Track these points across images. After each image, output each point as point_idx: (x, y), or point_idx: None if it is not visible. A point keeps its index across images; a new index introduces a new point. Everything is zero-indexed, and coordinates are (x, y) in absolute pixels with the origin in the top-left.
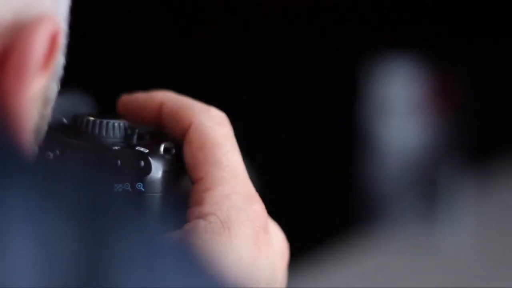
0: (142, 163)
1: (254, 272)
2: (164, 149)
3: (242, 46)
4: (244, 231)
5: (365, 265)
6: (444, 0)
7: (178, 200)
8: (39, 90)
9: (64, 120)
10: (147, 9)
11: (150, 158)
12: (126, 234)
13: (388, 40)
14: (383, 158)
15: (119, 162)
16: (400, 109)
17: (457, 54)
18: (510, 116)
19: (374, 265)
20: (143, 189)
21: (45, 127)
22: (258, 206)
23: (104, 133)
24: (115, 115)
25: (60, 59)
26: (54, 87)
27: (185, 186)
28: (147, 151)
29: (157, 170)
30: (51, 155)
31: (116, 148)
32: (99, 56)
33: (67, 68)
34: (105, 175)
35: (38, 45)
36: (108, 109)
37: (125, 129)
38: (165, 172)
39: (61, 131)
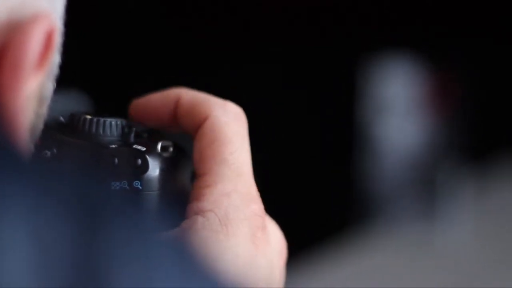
0: (139, 161)
1: (251, 271)
2: (162, 147)
3: (242, 46)
4: (242, 230)
5: (364, 264)
6: (444, 0)
7: (175, 198)
8: (34, 89)
9: (61, 119)
10: (145, 7)
11: (147, 156)
12: (124, 232)
13: (388, 40)
14: (382, 158)
15: (116, 160)
16: (399, 108)
17: (457, 54)
18: (509, 116)
19: (373, 264)
20: (140, 187)
21: (41, 126)
22: (256, 206)
23: (101, 131)
24: (112, 113)
25: (55, 58)
26: (50, 86)
27: (182, 184)
28: (144, 149)
29: (154, 168)
30: (48, 153)
31: (113, 146)
32: (95, 55)
33: (63, 66)
34: (102, 173)
35: (34, 43)
36: (104, 107)
37: (122, 127)
38: (162, 170)
39: (58, 130)
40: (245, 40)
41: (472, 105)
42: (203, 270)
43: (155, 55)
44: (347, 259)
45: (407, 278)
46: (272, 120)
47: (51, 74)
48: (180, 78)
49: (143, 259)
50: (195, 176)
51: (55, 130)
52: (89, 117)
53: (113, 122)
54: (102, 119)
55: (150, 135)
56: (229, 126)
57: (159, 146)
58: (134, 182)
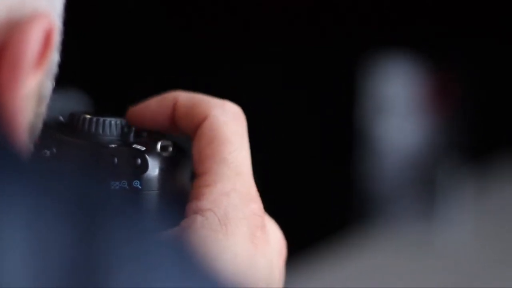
0: (139, 161)
1: (251, 270)
2: (161, 147)
3: (242, 46)
4: (241, 229)
5: (364, 264)
6: (444, 0)
7: (175, 198)
8: (33, 88)
9: (61, 118)
10: (145, 7)
11: (147, 156)
12: (123, 232)
13: (388, 40)
14: (382, 157)
15: (115, 160)
16: (399, 108)
17: (457, 54)
18: (509, 116)
19: (372, 264)
20: (140, 187)
21: (40, 125)
22: (255, 206)
23: (100, 131)
24: (111, 112)
25: (54, 57)
26: (49, 85)
27: (182, 184)
28: (144, 149)
29: (154, 168)
30: (48, 153)
31: (113, 146)
32: (94, 54)
33: (62, 65)
34: (102, 173)
35: (32, 42)
36: (103, 106)
37: (122, 127)
38: (162, 170)
39: (58, 129)
40: (245, 40)
41: (472, 105)
42: (202, 269)
43: (155, 55)
44: (347, 259)
45: (407, 278)
46: (272, 120)
47: (50, 73)
48: (180, 78)
49: (143, 258)
50: (194, 175)
51: (55, 129)
52: (88, 116)
53: (112, 122)
54: (101, 119)
55: (149, 135)
56: (228, 125)
57: (158, 146)
58: (134, 182)
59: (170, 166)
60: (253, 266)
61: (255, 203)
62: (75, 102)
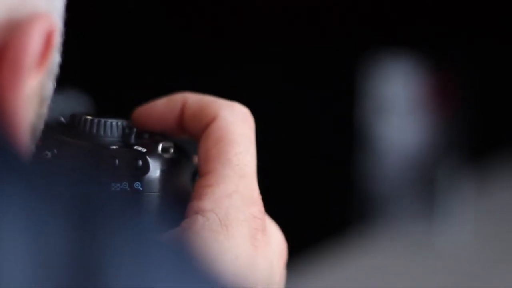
0: (140, 162)
1: (251, 272)
2: (162, 148)
3: (242, 46)
4: (242, 231)
5: (364, 264)
6: (444, 0)
7: (176, 200)
8: (34, 89)
9: (62, 119)
10: (146, 7)
11: (148, 158)
12: (124, 233)
13: (388, 40)
14: (382, 157)
15: (117, 161)
16: (400, 108)
17: (457, 54)
18: (509, 116)
19: (372, 264)
20: (141, 189)
21: (41, 126)
22: (256, 209)
23: (102, 132)
24: (112, 114)
25: (55, 57)
26: (50, 86)
27: (183, 185)
28: (145, 150)
29: (155, 170)
30: (49, 154)
31: (114, 147)
32: (95, 55)
33: (63, 66)
34: (103, 174)
35: (33, 43)
36: (104, 107)
37: (123, 128)
38: (163, 172)
39: (59, 130)
40: (245, 40)
41: (472, 105)
42: (202, 270)
43: (155, 55)
44: (347, 259)
45: (407, 278)
46: (272, 120)
47: (51, 73)
48: (180, 78)
49: (143, 260)
50: (197, 175)
51: (56, 130)
52: (89, 117)
53: (113, 123)
54: (103, 120)
55: (151, 136)
56: (236, 126)
57: (159, 147)
58: (135, 183)
59: (171, 168)
60: (253, 268)
61: (256, 206)
62: (76, 103)
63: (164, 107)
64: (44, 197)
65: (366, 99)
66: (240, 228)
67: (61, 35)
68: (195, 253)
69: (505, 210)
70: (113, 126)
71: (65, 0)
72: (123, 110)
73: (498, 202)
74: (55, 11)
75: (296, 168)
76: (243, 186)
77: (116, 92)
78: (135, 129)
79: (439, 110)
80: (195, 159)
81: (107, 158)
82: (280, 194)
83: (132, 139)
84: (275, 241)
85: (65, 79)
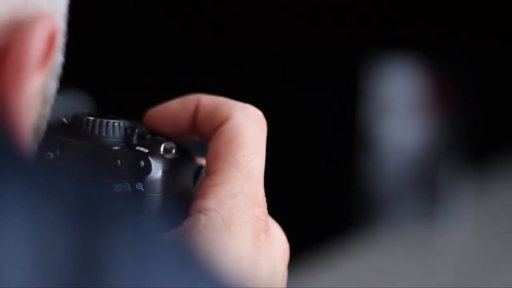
0: (142, 163)
1: (254, 273)
2: (164, 149)
3: (242, 46)
4: (245, 232)
5: (365, 264)
6: (444, 0)
7: (178, 200)
8: (37, 89)
9: (64, 120)
10: (147, 8)
11: (150, 158)
12: (126, 234)
13: (388, 40)
14: (383, 158)
15: (119, 162)
16: (400, 109)
17: (457, 54)
18: (509, 116)
19: (373, 264)
20: (143, 189)
21: (44, 126)
22: (259, 210)
23: (104, 133)
24: (115, 114)
25: (58, 58)
26: (53, 86)
27: (185, 186)
28: (147, 151)
29: (157, 170)
30: (51, 155)
31: (116, 148)
32: (98, 55)
33: (66, 66)
34: (105, 175)
35: (36, 43)
36: (106, 108)
37: (125, 129)
38: (165, 172)
39: (61, 131)
40: (245, 40)
41: (472, 105)
42: (205, 270)
43: (156, 56)
44: (348, 259)
45: (407, 278)
46: (273, 121)
47: (54, 74)
48: (181, 78)
49: (146, 260)
50: (199, 176)
51: (58, 131)
52: (92, 118)
53: (116, 124)
54: (105, 121)
55: (153, 137)
56: (248, 128)
57: (162, 148)
58: (137, 184)
59: (173, 168)
60: (256, 269)
61: (260, 208)
62: (78, 104)
63: (178, 107)
64: (47, 197)
65: (367, 99)
66: (243, 228)
67: (64, 35)
68: (197, 252)
69: (505, 210)
70: (115, 127)
71: (68, 0)
72: (124, 111)
73: (499, 202)
74: (58, 12)
75: (297, 169)
76: (248, 187)
77: (118, 93)
78: (136, 130)
79: (439, 111)
80: (198, 160)
81: (109, 158)
82: (281, 194)
83: (134, 139)
84: (278, 242)
85: (67, 80)
